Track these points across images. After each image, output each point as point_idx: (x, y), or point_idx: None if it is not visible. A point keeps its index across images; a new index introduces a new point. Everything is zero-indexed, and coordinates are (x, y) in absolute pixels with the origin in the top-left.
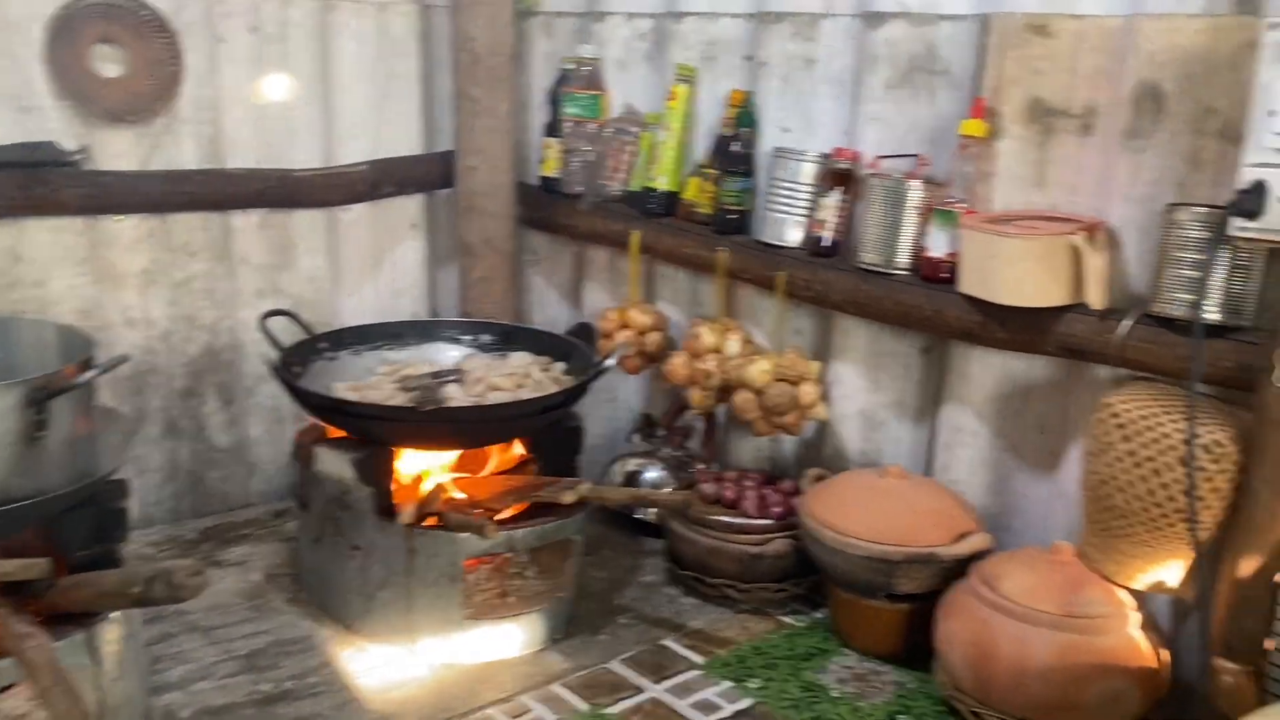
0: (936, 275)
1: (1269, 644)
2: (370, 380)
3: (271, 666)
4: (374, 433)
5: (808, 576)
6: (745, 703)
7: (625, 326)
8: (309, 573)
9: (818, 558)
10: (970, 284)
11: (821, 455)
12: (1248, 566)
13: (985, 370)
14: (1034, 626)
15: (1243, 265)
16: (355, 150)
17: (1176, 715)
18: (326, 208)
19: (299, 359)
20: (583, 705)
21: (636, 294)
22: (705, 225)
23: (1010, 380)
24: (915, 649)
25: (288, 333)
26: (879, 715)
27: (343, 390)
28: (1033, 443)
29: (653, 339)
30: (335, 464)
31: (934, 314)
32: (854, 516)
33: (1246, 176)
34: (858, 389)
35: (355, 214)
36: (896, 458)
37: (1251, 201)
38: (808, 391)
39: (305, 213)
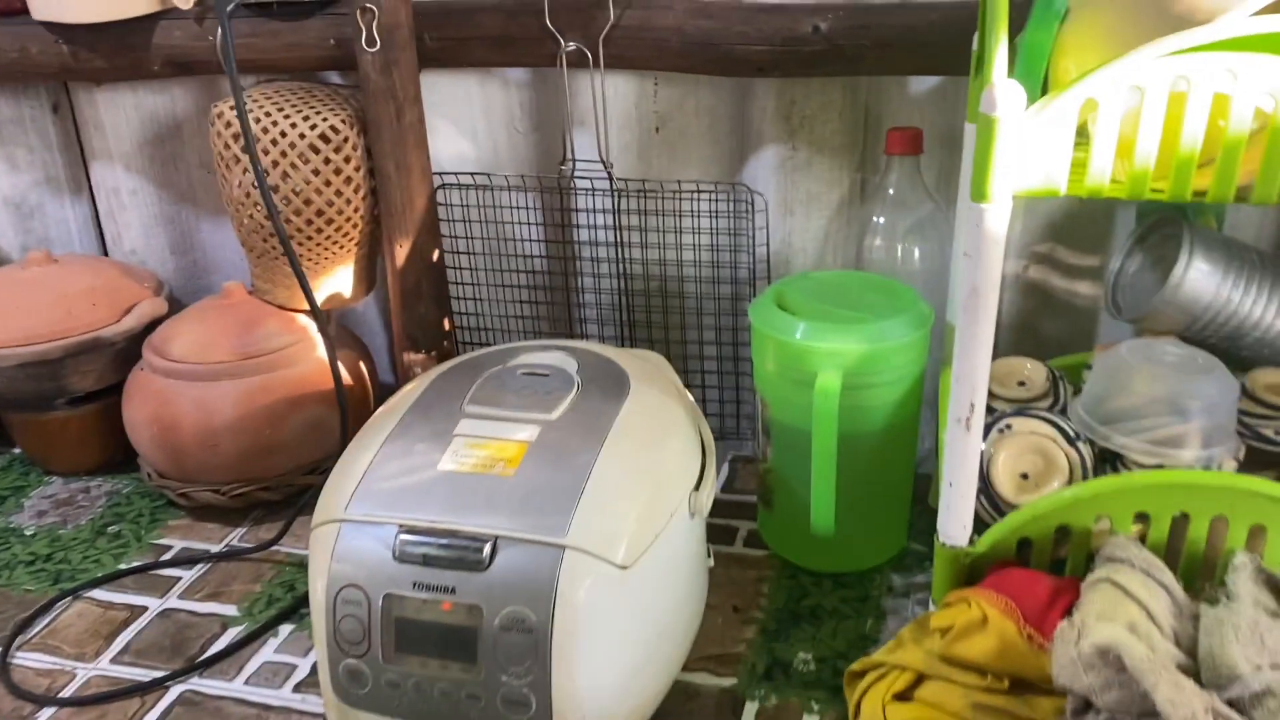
0: (9, 5)
1: (446, 324)
2: None
3: None
4: None
5: None
6: None
7: None
8: None
9: None
10: (38, 7)
11: None
12: (402, 253)
13: (119, 114)
14: (212, 382)
15: None
16: None
17: None
18: None
19: None
20: None
21: None
22: None
23: (155, 120)
24: (126, 450)
25: None
26: (85, 534)
27: None
28: (203, 183)
29: None
30: None
31: (19, 56)
32: None
33: None
34: None
35: None
36: (68, 244)
37: None
38: None
39: None
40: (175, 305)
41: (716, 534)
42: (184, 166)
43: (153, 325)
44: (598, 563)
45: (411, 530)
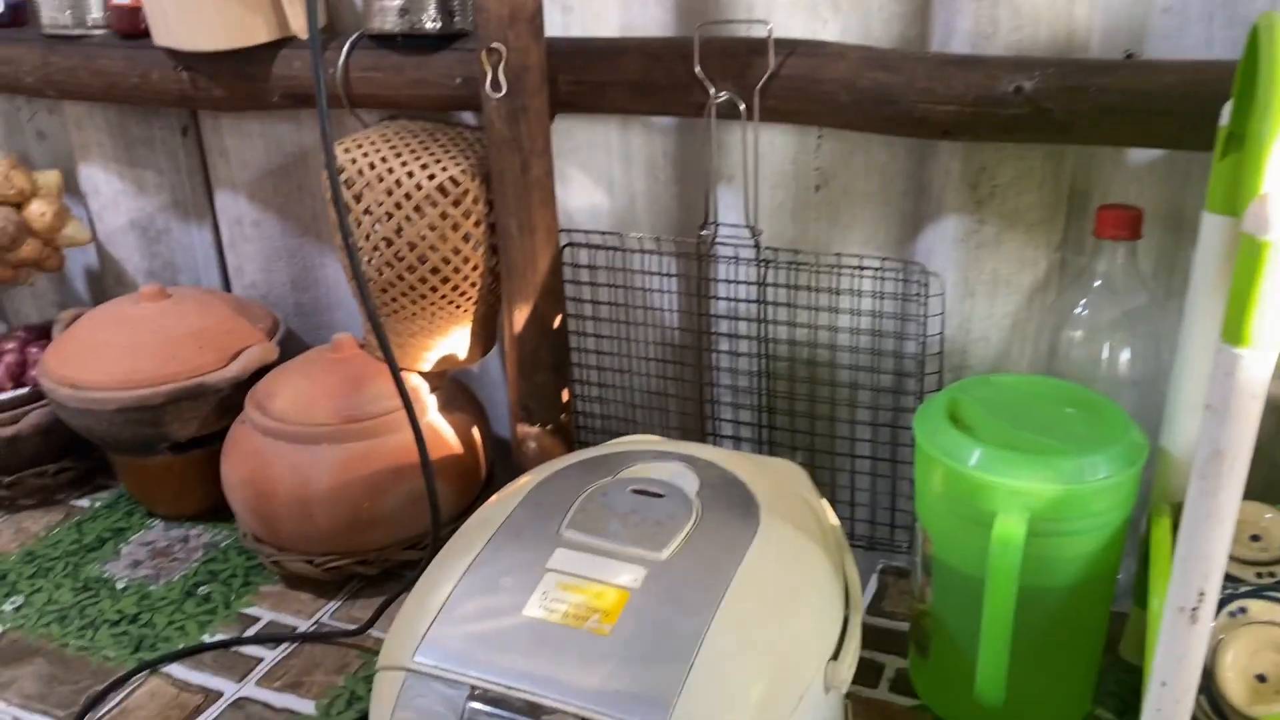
0: (136, 29)
1: (565, 395)
2: None
3: None
4: None
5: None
6: None
7: None
8: None
9: (70, 423)
10: (160, 33)
11: (105, 287)
12: (521, 317)
13: (244, 142)
14: (310, 446)
15: None
16: None
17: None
18: None
19: None
20: None
21: None
22: None
23: (281, 149)
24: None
25: None
26: (175, 594)
27: None
28: (327, 216)
29: None
30: None
31: (140, 81)
32: (97, 363)
33: None
34: (120, 194)
35: None
36: (193, 271)
37: None
38: (40, 211)
39: None
40: (293, 343)
41: (859, 670)
42: (308, 199)
43: (262, 372)
44: None
45: (484, 697)
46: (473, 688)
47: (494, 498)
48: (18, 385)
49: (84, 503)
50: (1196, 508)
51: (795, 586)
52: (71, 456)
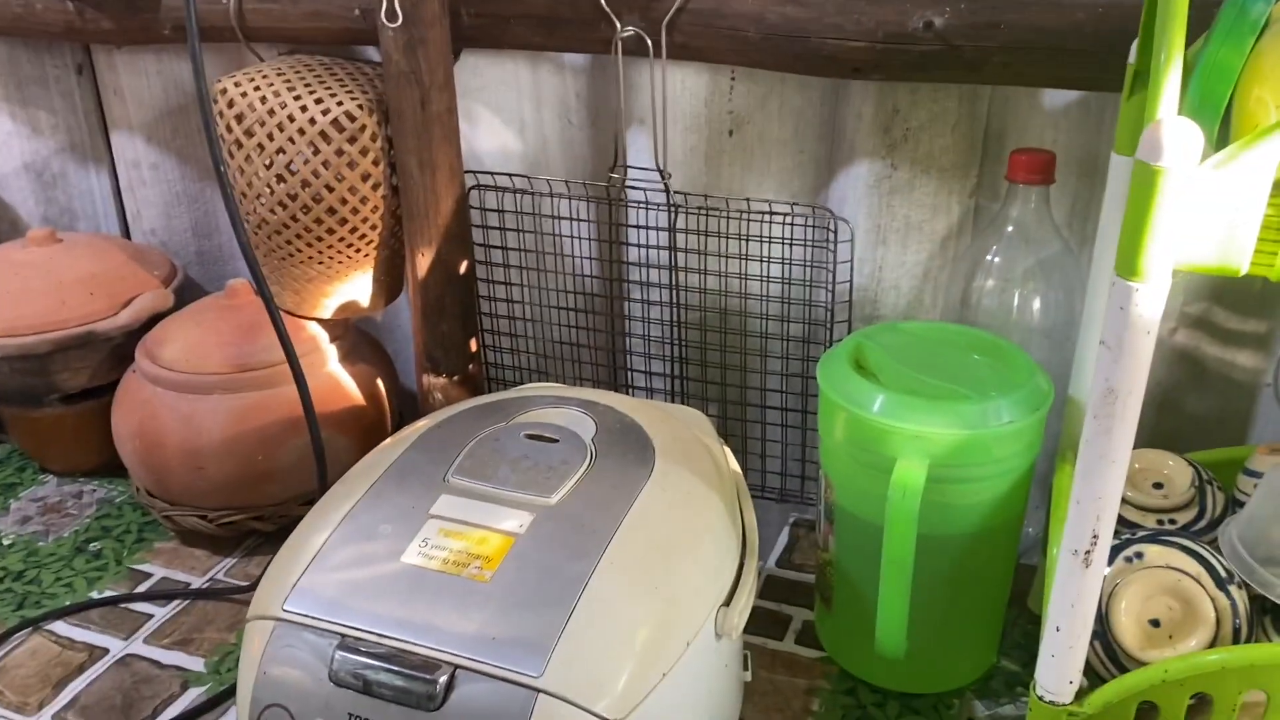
0: None
1: (473, 344)
2: None
3: None
4: None
5: None
6: None
7: None
8: None
9: None
10: None
11: (0, 233)
12: (425, 261)
13: (140, 80)
14: (201, 396)
15: None
16: None
17: None
18: None
19: None
20: None
21: None
22: None
23: (178, 88)
24: None
25: None
26: (64, 550)
27: None
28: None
29: None
30: None
31: (24, 11)
32: None
33: None
34: (12, 135)
35: None
36: (92, 218)
37: None
38: None
39: None
40: (192, 292)
41: (765, 622)
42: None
43: (155, 321)
44: (580, 715)
45: (353, 646)
46: (342, 636)
47: (383, 443)
48: None
49: None
50: (1091, 448)
51: (687, 531)
52: None
